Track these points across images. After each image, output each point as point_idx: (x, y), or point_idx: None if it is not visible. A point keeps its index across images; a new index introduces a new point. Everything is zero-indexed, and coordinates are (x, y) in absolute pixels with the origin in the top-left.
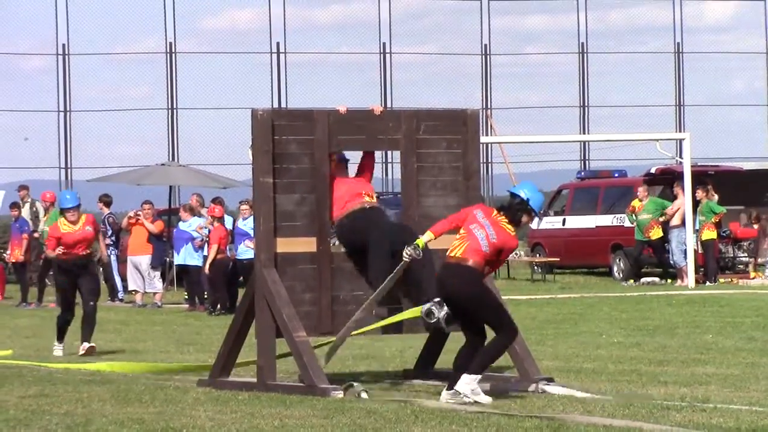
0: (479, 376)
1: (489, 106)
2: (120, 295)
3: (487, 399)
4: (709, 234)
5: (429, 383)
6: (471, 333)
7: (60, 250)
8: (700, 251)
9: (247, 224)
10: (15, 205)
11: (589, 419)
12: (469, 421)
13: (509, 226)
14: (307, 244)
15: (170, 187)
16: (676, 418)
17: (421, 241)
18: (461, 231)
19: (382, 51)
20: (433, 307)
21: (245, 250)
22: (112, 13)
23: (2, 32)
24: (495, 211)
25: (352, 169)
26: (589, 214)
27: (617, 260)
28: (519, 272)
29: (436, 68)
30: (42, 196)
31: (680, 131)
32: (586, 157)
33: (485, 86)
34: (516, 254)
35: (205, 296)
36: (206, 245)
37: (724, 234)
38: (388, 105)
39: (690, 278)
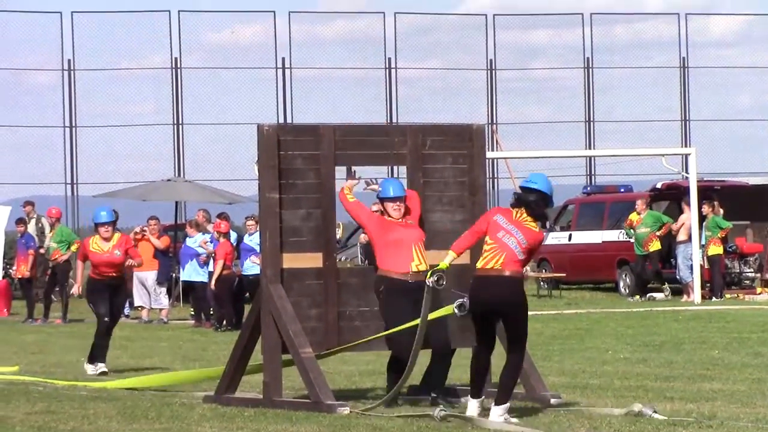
0: (508, 405)
1: (494, 121)
2: (126, 311)
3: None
4: (716, 249)
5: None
6: (485, 346)
7: (75, 289)
8: (706, 267)
9: (253, 240)
10: (21, 221)
11: None
12: None
13: (533, 224)
14: (313, 260)
15: (176, 202)
16: None
17: (444, 264)
18: (489, 240)
19: (387, 66)
20: (466, 300)
21: (251, 266)
22: (118, 29)
23: (8, 47)
24: (515, 212)
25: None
26: (595, 229)
27: (623, 276)
28: (525, 287)
29: (442, 83)
30: (48, 212)
31: (686, 146)
32: (592, 172)
33: (491, 101)
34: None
35: (211, 312)
36: (212, 261)
37: (730, 249)
38: (394, 120)
39: (696, 294)
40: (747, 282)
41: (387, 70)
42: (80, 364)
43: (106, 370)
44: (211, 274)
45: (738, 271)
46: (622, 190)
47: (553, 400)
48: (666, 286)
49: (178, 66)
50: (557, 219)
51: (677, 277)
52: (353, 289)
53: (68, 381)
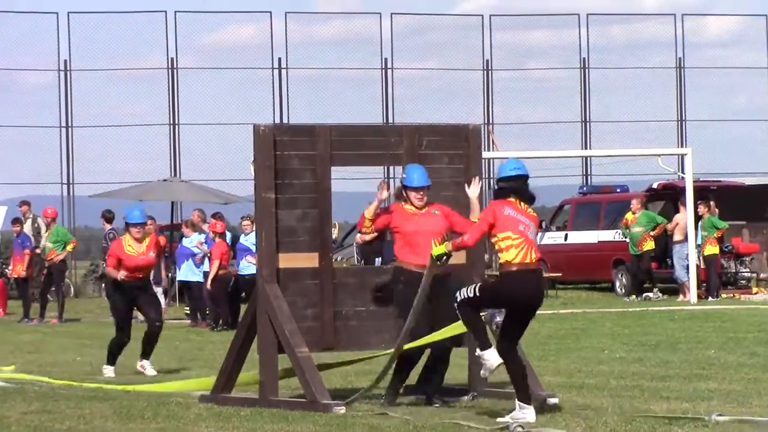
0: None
1: (491, 122)
2: None
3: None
4: (712, 249)
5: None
6: (514, 344)
7: (123, 274)
8: (702, 266)
9: (248, 240)
10: (17, 221)
11: None
12: None
13: (532, 211)
14: (309, 260)
15: (172, 202)
16: None
17: (447, 247)
18: (512, 235)
19: (383, 66)
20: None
21: (247, 266)
22: (114, 30)
23: (4, 48)
24: (514, 200)
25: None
26: (591, 229)
27: (619, 275)
28: None
29: (438, 84)
30: (43, 212)
31: (682, 146)
32: (588, 173)
33: (487, 101)
34: None
35: (207, 312)
36: (207, 261)
37: (726, 249)
38: (390, 120)
39: (692, 293)
40: (743, 282)
41: (383, 70)
42: (76, 363)
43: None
44: (206, 274)
45: (734, 270)
46: (618, 190)
47: (549, 400)
48: (656, 291)
49: (175, 66)
50: (553, 219)
51: (673, 276)
52: (349, 289)
53: (64, 380)
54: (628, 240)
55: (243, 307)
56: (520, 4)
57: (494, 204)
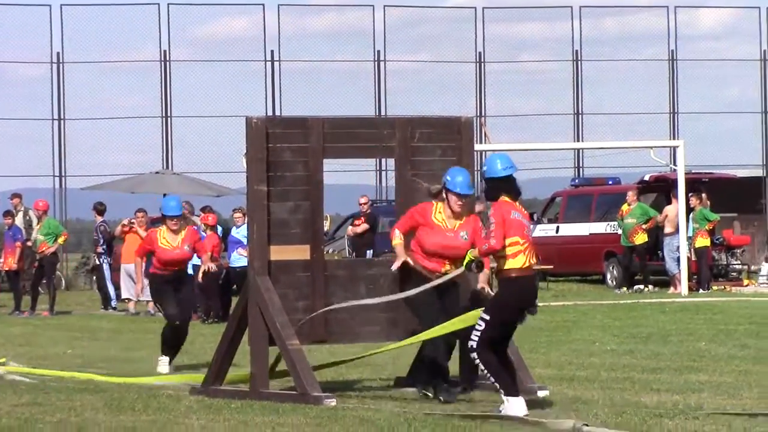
0: None
1: (483, 114)
2: (113, 303)
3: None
4: (703, 241)
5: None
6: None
7: (138, 291)
8: (693, 259)
9: (240, 232)
10: (8, 214)
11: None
12: (462, 428)
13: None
14: (300, 252)
15: (164, 195)
16: (668, 425)
17: (470, 255)
18: (520, 240)
19: (376, 59)
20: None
21: (238, 258)
22: (106, 22)
23: None
24: (510, 200)
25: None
26: (582, 221)
27: (610, 268)
28: None
29: (431, 76)
30: (35, 204)
31: (674, 138)
32: (580, 165)
33: (479, 94)
34: None
35: (198, 305)
36: None
37: (717, 241)
38: (382, 113)
39: (683, 286)
40: (734, 274)
41: (376, 62)
42: (67, 356)
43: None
44: (198, 266)
45: (725, 263)
46: (610, 182)
47: (539, 392)
48: (649, 287)
49: (167, 59)
50: (545, 211)
51: (665, 268)
52: (340, 282)
53: (55, 372)
54: (621, 232)
55: (234, 300)
56: None
57: (498, 207)
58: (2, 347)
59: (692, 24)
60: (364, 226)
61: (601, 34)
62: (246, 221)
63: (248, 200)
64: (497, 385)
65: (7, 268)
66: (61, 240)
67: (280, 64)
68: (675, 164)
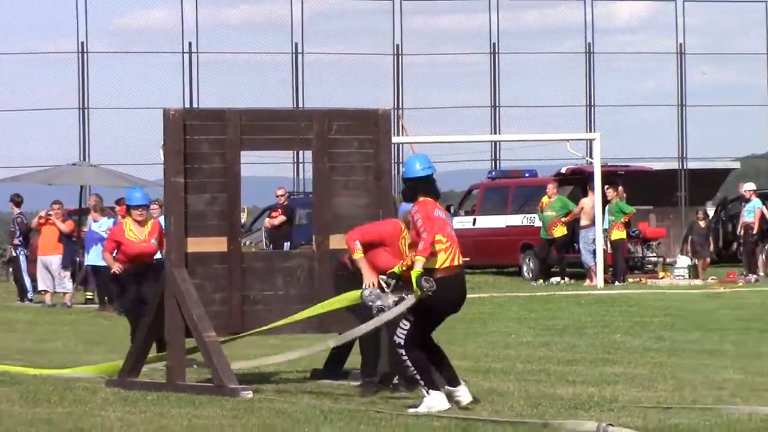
0: None
1: (401, 106)
2: (29, 295)
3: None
4: (619, 234)
5: (337, 383)
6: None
7: (117, 267)
8: (609, 251)
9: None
10: None
11: (497, 419)
12: (378, 421)
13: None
14: (217, 244)
15: (81, 187)
16: (584, 417)
17: (417, 271)
18: (442, 238)
19: (294, 51)
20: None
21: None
22: (23, 14)
23: None
24: (429, 199)
25: None
26: (499, 213)
27: (527, 260)
28: None
29: (348, 68)
30: None
31: (591, 131)
32: (497, 157)
33: (397, 86)
34: None
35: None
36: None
37: (633, 234)
38: (300, 105)
39: (599, 278)
40: (650, 266)
41: (293, 54)
42: None
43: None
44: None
45: (641, 255)
46: (527, 174)
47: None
48: (563, 280)
49: (85, 50)
50: (462, 203)
51: (581, 261)
52: (257, 274)
53: None
54: (540, 224)
55: None
56: None
57: (422, 205)
58: None
59: (609, 17)
60: (282, 218)
61: (518, 27)
62: (162, 213)
63: (165, 192)
64: (421, 381)
65: None
66: None
67: (197, 56)
68: (591, 157)
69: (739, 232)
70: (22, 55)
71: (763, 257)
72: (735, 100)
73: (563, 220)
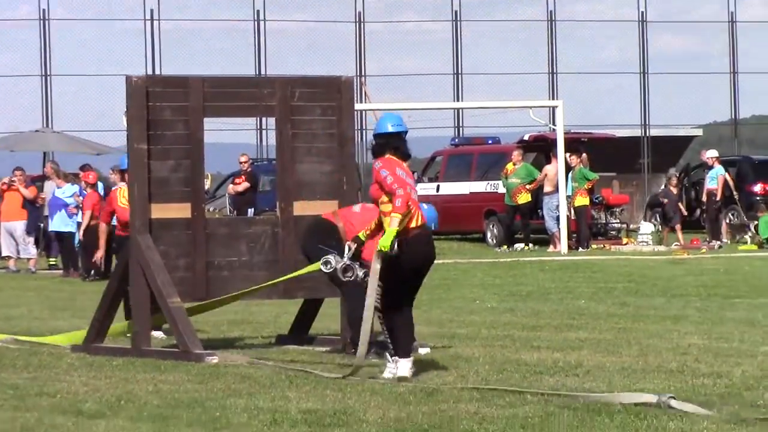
0: None
1: (363, 74)
2: None
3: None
4: (582, 200)
5: (302, 348)
6: (409, 302)
7: (98, 255)
8: (572, 217)
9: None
10: None
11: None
12: (344, 386)
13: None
14: (181, 210)
15: (44, 153)
16: (549, 382)
17: (394, 230)
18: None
19: (256, 18)
20: (331, 257)
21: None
22: None
23: None
24: (394, 158)
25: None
26: (462, 180)
27: (491, 226)
28: None
29: (311, 36)
30: None
31: (553, 99)
32: (460, 124)
33: (359, 54)
34: None
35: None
36: (80, 212)
37: (596, 200)
38: (263, 72)
39: (563, 244)
40: (613, 233)
41: (255, 22)
42: None
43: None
44: (79, 224)
45: (604, 221)
46: (490, 141)
47: (420, 350)
48: (527, 246)
49: (47, 17)
50: (425, 170)
51: (545, 227)
52: (221, 240)
53: None
54: (504, 190)
55: (114, 258)
56: None
57: (388, 162)
58: None
59: None
60: (245, 185)
61: None
62: (121, 180)
63: (129, 159)
64: (390, 345)
65: None
66: None
67: (159, 23)
68: (554, 124)
69: (703, 198)
70: None
71: (726, 223)
72: (697, 67)
73: (528, 187)
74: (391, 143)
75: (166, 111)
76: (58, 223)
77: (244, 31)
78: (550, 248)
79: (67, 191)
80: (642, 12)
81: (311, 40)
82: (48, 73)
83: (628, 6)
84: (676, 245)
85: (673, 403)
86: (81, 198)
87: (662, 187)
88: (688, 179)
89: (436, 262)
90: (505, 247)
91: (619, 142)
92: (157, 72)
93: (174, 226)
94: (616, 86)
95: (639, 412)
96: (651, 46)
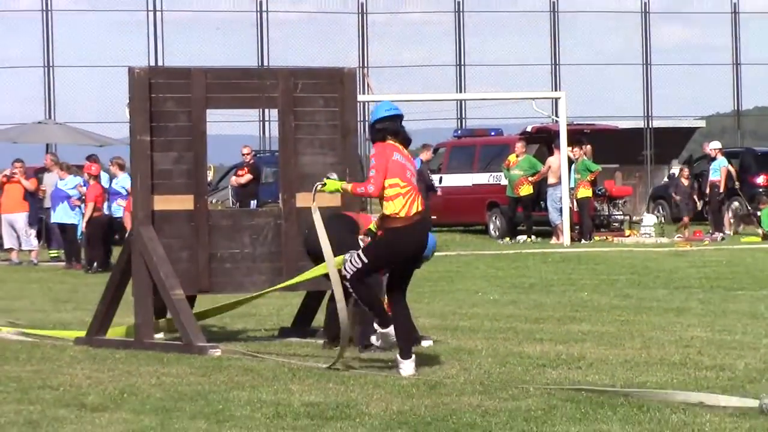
0: None
1: (366, 65)
2: None
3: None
4: (585, 192)
5: (305, 341)
6: (397, 290)
7: None
8: (575, 209)
9: (119, 183)
10: None
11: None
12: (346, 379)
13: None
14: (184, 202)
15: (47, 145)
16: (552, 375)
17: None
18: (401, 182)
19: (258, 9)
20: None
21: (118, 209)
22: None
23: None
24: (394, 143)
25: None
26: (465, 172)
27: (493, 218)
28: None
29: (314, 27)
30: None
31: (556, 90)
32: (463, 116)
33: (362, 45)
34: None
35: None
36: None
37: (599, 192)
38: (265, 63)
39: (565, 236)
40: (616, 224)
41: (258, 13)
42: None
43: None
44: (83, 216)
45: (607, 213)
46: (493, 133)
47: (423, 342)
48: (530, 238)
49: (49, 8)
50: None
51: (549, 219)
52: (224, 232)
53: None
54: (506, 182)
55: (116, 250)
56: None
57: (381, 148)
58: None
59: None
60: (248, 177)
61: None
62: (120, 172)
63: (131, 150)
64: (372, 312)
65: None
66: None
67: (162, 14)
68: (557, 115)
69: (705, 190)
70: None
71: (729, 215)
72: (700, 58)
73: (530, 179)
74: (390, 128)
75: (168, 102)
76: (61, 214)
77: (247, 22)
78: (553, 240)
79: (69, 183)
80: (644, 3)
81: (314, 31)
82: (51, 65)
83: None
84: (678, 237)
85: None
86: (85, 189)
87: (665, 179)
88: (691, 171)
89: (438, 254)
90: (508, 239)
91: (621, 134)
92: (160, 63)
93: (177, 218)
94: (619, 78)
95: (642, 405)
96: (654, 38)
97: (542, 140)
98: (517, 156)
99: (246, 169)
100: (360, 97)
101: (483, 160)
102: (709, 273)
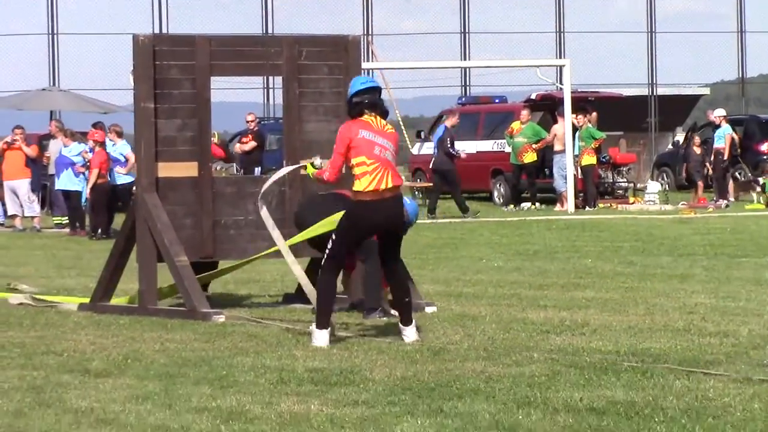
0: None
1: (371, 32)
2: (0, 219)
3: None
4: (589, 159)
5: (309, 307)
6: (388, 260)
7: None
8: (579, 176)
9: (117, 150)
10: None
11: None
12: (350, 345)
13: (389, 127)
14: (188, 169)
15: (51, 112)
16: (555, 341)
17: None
18: (367, 160)
19: None
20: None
21: (118, 176)
22: None
23: None
24: (372, 120)
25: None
26: (469, 139)
27: (497, 185)
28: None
29: None
30: None
31: (560, 57)
32: (467, 83)
33: (367, 12)
34: None
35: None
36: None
37: (603, 159)
38: (269, 31)
39: (570, 203)
40: (620, 192)
41: None
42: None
43: None
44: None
45: (611, 180)
46: (497, 101)
47: (427, 309)
48: (534, 205)
49: None
50: (432, 129)
51: (554, 186)
52: (228, 199)
53: None
54: (510, 149)
55: (119, 217)
56: None
57: (346, 127)
58: None
59: None
60: (252, 144)
61: None
62: (118, 139)
63: (136, 117)
64: (315, 309)
65: None
66: None
67: None
68: (561, 83)
69: (710, 158)
70: None
71: (733, 181)
72: (705, 26)
73: (534, 146)
74: (368, 101)
75: (172, 70)
76: (65, 181)
77: None
78: (557, 207)
79: (74, 150)
80: None
81: None
82: (55, 32)
83: None
84: (683, 204)
85: None
86: (90, 155)
87: (669, 146)
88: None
89: (442, 221)
90: (512, 206)
91: (626, 102)
92: (164, 31)
93: (181, 185)
94: (624, 45)
95: (645, 371)
96: (658, 5)
97: (546, 108)
98: (522, 123)
99: (250, 136)
100: (364, 65)
101: (487, 127)
102: (713, 240)
